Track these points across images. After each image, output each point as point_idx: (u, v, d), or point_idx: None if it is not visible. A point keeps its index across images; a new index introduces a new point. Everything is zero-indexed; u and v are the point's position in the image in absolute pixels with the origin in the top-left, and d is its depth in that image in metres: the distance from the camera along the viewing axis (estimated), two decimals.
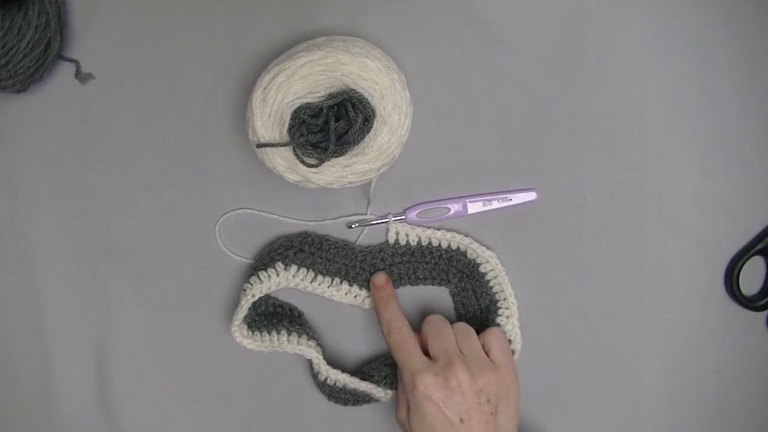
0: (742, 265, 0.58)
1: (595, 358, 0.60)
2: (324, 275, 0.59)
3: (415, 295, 0.60)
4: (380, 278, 0.58)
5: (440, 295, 0.60)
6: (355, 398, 0.59)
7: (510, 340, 0.58)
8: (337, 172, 0.53)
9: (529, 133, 0.58)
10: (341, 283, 0.59)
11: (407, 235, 0.59)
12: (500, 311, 0.58)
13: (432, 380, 0.51)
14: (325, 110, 0.52)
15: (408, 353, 0.54)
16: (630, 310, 0.59)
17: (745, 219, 0.59)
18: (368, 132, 0.52)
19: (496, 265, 0.58)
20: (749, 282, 0.59)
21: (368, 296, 0.59)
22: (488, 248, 0.59)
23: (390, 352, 0.56)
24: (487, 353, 0.54)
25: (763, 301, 0.59)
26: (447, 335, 0.55)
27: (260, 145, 0.53)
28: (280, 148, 0.53)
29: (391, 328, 0.56)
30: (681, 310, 0.59)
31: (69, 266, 0.60)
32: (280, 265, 0.57)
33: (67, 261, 0.60)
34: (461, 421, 0.51)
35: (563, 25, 0.58)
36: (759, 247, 0.58)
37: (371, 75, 0.52)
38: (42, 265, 0.60)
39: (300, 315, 0.60)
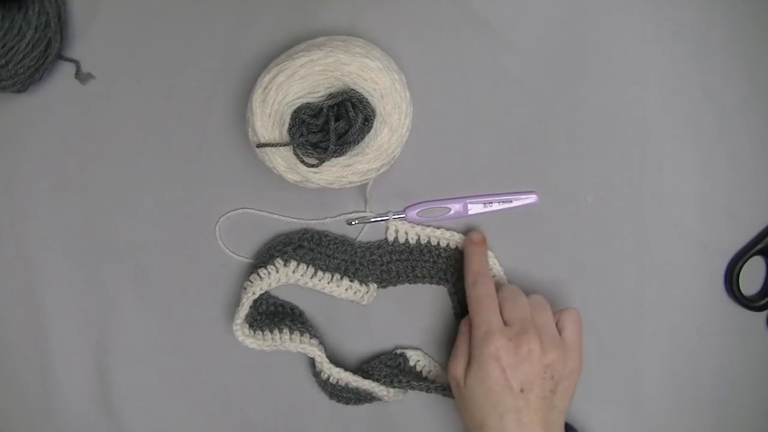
0: (742, 265, 0.58)
1: (595, 358, 0.60)
2: (324, 271, 0.59)
3: (413, 293, 0.60)
4: (478, 235, 0.58)
5: (439, 294, 0.60)
6: (357, 397, 0.59)
7: None
8: (337, 172, 0.53)
9: (529, 132, 0.59)
10: (341, 278, 0.59)
11: (407, 233, 0.59)
12: None
13: (504, 343, 0.51)
14: (325, 110, 0.52)
15: (487, 309, 0.53)
16: (630, 310, 0.59)
17: (745, 219, 0.59)
18: (368, 132, 0.52)
19: (495, 264, 0.58)
20: (749, 282, 0.59)
21: (368, 292, 0.59)
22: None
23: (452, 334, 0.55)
24: (559, 331, 0.53)
25: (763, 301, 0.59)
26: (523, 304, 0.54)
27: (260, 145, 0.53)
28: (280, 148, 0.53)
29: (478, 281, 0.55)
30: (681, 310, 0.60)
31: (69, 266, 0.60)
32: (279, 262, 0.57)
33: (67, 261, 0.60)
34: (522, 390, 0.50)
35: (563, 25, 0.58)
36: (759, 247, 0.58)
37: (371, 75, 0.52)
38: (42, 265, 0.60)
39: (301, 314, 0.60)
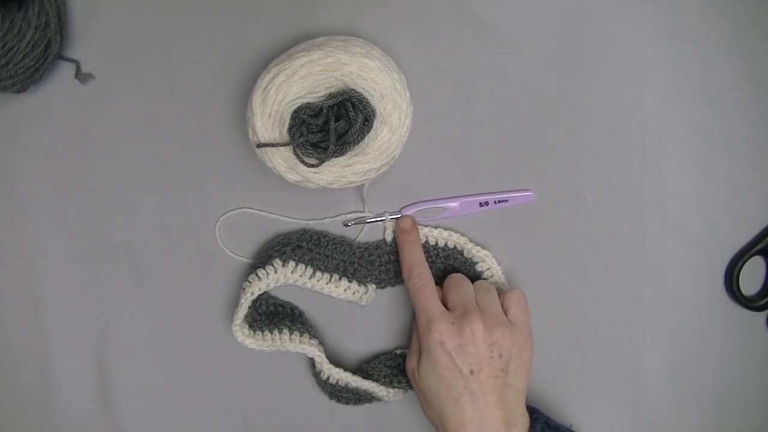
0: (742, 265, 0.58)
1: (595, 358, 0.60)
2: (323, 271, 0.59)
3: None
4: (407, 222, 0.58)
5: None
6: (357, 397, 0.59)
7: None
8: (337, 171, 0.53)
9: (529, 132, 0.58)
10: (340, 279, 0.59)
11: None
12: None
13: (447, 327, 0.52)
14: (325, 110, 0.52)
15: (426, 298, 0.54)
16: (630, 310, 0.59)
17: (745, 219, 0.59)
18: (368, 132, 0.52)
19: (492, 264, 0.59)
20: (749, 282, 0.59)
21: (366, 292, 0.59)
22: (484, 248, 0.59)
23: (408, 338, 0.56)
24: (505, 312, 0.54)
25: (763, 301, 0.59)
26: (466, 289, 0.55)
27: (260, 145, 0.53)
28: (280, 148, 0.53)
29: (412, 272, 0.56)
30: (681, 310, 0.60)
31: (69, 266, 0.60)
32: (278, 262, 0.57)
33: (67, 261, 0.60)
34: (471, 372, 0.51)
35: (563, 25, 0.58)
36: (759, 247, 0.58)
37: (371, 75, 0.52)
38: (42, 265, 0.60)
39: (301, 314, 0.60)
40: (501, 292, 0.56)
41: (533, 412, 0.54)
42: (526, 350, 0.53)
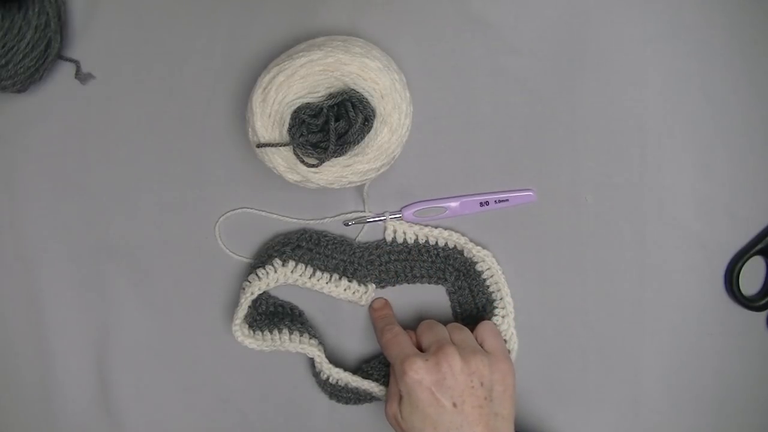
0: (742, 265, 0.58)
1: (595, 357, 0.60)
2: (323, 271, 0.59)
3: (412, 293, 0.60)
4: (379, 302, 0.60)
5: (437, 293, 0.60)
6: (357, 397, 0.59)
7: (505, 340, 0.58)
8: (337, 172, 0.53)
9: (529, 133, 0.58)
10: (340, 279, 0.59)
11: (404, 233, 0.59)
12: (496, 311, 0.58)
13: (422, 364, 0.51)
14: (325, 110, 0.52)
15: (398, 344, 0.54)
16: (630, 310, 0.59)
17: (745, 219, 0.59)
18: (368, 132, 0.52)
19: (493, 264, 0.58)
20: (749, 282, 0.59)
21: (366, 292, 0.59)
22: (485, 248, 0.59)
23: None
24: (480, 344, 0.54)
25: (763, 301, 0.59)
26: (439, 329, 0.55)
27: (260, 145, 0.53)
28: (280, 148, 0.53)
29: (384, 329, 0.56)
30: (681, 310, 0.60)
31: (69, 266, 0.60)
32: (277, 262, 0.57)
33: (67, 261, 0.60)
34: (454, 405, 0.50)
35: (563, 25, 0.58)
36: (759, 247, 0.58)
37: (371, 75, 0.52)
38: (42, 265, 0.60)
39: (301, 314, 0.60)
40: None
41: None
42: (508, 376, 0.52)
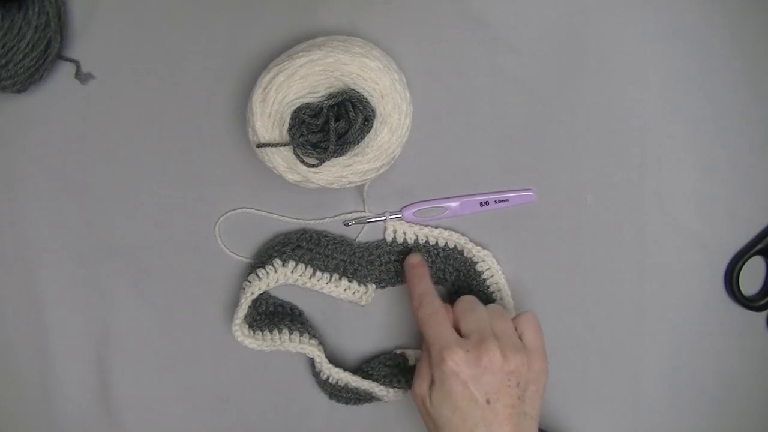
0: (742, 265, 0.58)
1: (595, 358, 0.60)
2: (323, 271, 0.59)
3: None
4: (416, 257, 0.58)
5: (438, 293, 0.60)
6: (357, 397, 0.59)
7: None
8: (337, 172, 0.53)
9: (529, 132, 0.58)
10: (340, 279, 0.59)
11: (404, 233, 0.59)
12: None
13: (463, 356, 0.49)
14: (325, 110, 0.52)
15: (438, 326, 0.52)
16: (630, 310, 0.59)
17: (745, 219, 0.59)
18: (368, 132, 0.52)
19: (492, 264, 0.58)
20: (749, 282, 0.59)
21: (366, 292, 0.59)
22: (485, 248, 0.59)
23: (417, 333, 0.54)
24: (519, 336, 0.52)
25: (763, 301, 0.59)
26: (480, 314, 0.53)
27: (260, 145, 0.53)
28: (280, 148, 0.53)
29: (423, 301, 0.54)
30: (681, 310, 0.60)
31: (69, 266, 0.60)
32: (277, 262, 0.57)
33: (67, 261, 0.60)
34: (488, 402, 0.49)
35: (563, 25, 0.58)
36: (759, 247, 0.58)
37: (371, 75, 0.52)
38: (42, 265, 0.60)
39: (301, 314, 0.60)
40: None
41: None
42: (543, 376, 0.51)
